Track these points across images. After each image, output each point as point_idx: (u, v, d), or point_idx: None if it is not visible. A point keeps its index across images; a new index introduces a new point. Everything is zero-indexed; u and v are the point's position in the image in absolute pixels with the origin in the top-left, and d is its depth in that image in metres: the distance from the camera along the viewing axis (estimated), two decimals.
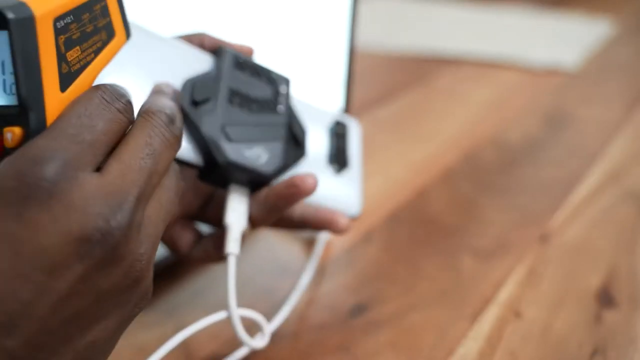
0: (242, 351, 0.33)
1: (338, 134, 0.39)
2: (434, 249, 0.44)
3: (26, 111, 0.24)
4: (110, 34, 0.28)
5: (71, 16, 0.26)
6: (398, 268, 0.42)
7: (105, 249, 0.23)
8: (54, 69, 0.25)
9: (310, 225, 0.37)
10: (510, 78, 0.75)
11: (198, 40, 0.35)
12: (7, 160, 0.23)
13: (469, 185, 0.53)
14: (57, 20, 0.25)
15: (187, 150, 0.32)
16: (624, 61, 0.80)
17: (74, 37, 0.26)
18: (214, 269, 0.41)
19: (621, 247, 0.45)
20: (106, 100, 0.26)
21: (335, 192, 0.38)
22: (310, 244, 0.44)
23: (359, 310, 0.38)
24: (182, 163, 0.32)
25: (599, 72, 0.76)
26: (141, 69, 0.33)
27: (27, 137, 0.24)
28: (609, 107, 0.66)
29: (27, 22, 0.24)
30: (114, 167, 0.24)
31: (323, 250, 0.43)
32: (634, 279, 0.41)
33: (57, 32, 0.25)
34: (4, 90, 0.24)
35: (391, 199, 0.50)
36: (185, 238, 0.36)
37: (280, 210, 0.34)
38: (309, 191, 0.33)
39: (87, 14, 0.27)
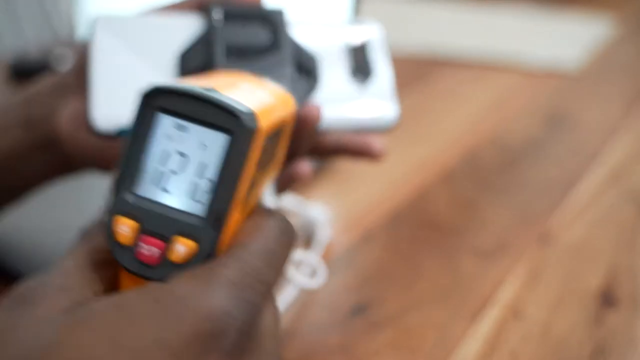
0: None
1: (355, 43, 0.37)
2: (434, 249, 0.44)
3: (208, 227, 0.21)
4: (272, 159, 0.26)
5: (272, 137, 0.24)
6: (398, 268, 0.42)
7: None
8: (246, 189, 0.22)
9: (345, 152, 0.37)
10: (511, 78, 0.75)
11: (195, 3, 0.35)
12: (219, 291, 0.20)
13: (469, 185, 0.53)
14: (267, 138, 0.23)
15: None
16: (625, 61, 0.80)
17: (262, 159, 0.23)
18: None
19: (621, 247, 0.45)
20: (286, 237, 0.23)
21: (364, 106, 0.36)
22: (310, 244, 0.44)
23: (359, 310, 0.38)
24: None
25: (599, 72, 0.76)
26: (134, 57, 0.33)
27: (198, 256, 0.21)
28: (609, 107, 0.66)
29: (250, 135, 0.21)
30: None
31: (323, 250, 0.43)
32: (634, 279, 0.41)
33: (263, 151, 0.23)
34: (191, 195, 0.22)
35: (391, 198, 0.50)
36: None
37: (295, 147, 0.33)
38: (312, 120, 0.32)
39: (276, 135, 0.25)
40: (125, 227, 0.21)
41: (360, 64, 0.37)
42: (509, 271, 0.42)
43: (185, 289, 0.20)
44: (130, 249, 0.21)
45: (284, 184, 0.36)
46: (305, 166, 0.37)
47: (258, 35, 0.34)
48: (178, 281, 0.20)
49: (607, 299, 0.39)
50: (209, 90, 0.22)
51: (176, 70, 0.33)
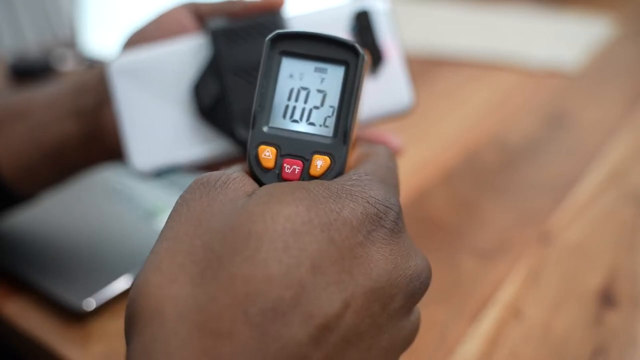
0: None
1: (361, 26, 0.36)
2: (434, 249, 0.44)
3: (339, 145, 0.25)
4: None
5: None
6: None
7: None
8: (359, 111, 0.26)
9: None
10: (510, 78, 0.75)
11: (194, 9, 0.36)
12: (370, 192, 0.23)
13: (469, 185, 0.53)
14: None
15: (225, 146, 0.35)
16: (625, 61, 0.80)
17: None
18: None
19: (621, 247, 0.45)
20: (393, 161, 0.27)
21: (377, 93, 0.36)
22: None
23: None
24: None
25: (599, 72, 0.76)
26: (153, 97, 0.34)
27: (331, 169, 0.25)
28: (609, 107, 0.66)
29: (362, 62, 0.25)
30: None
31: None
32: (634, 279, 0.41)
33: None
34: (317, 121, 0.25)
35: None
36: None
37: None
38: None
39: None
40: (267, 153, 0.25)
41: (368, 47, 0.36)
42: (509, 271, 0.42)
43: (348, 184, 0.23)
44: (274, 172, 0.25)
45: None
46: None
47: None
48: (336, 181, 0.24)
49: (607, 299, 0.39)
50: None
51: (193, 102, 0.35)
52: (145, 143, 0.35)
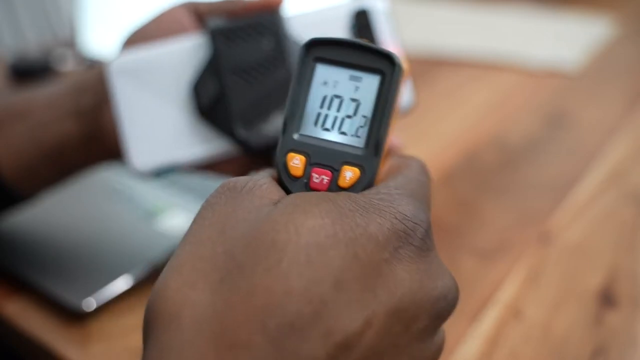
0: None
1: (360, 26, 0.37)
2: None
3: (371, 156, 0.24)
4: None
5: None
6: None
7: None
8: (393, 123, 0.26)
9: None
10: (510, 78, 0.75)
11: (193, 8, 0.36)
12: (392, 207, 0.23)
13: (468, 185, 0.53)
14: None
15: (224, 145, 0.35)
16: (625, 61, 0.80)
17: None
18: None
19: (621, 247, 0.45)
20: (425, 175, 0.26)
21: None
22: None
23: None
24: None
25: (599, 72, 0.76)
26: (153, 97, 0.34)
27: (360, 181, 0.24)
28: (609, 107, 0.66)
29: (399, 73, 0.25)
30: None
31: None
32: (634, 279, 0.41)
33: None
34: (350, 131, 0.25)
35: None
36: None
37: None
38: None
39: None
40: (296, 161, 0.24)
41: None
42: (509, 271, 0.42)
43: (376, 198, 0.23)
44: (302, 180, 0.24)
45: None
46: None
47: (260, 48, 0.35)
48: (364, 194, 0.23)
49: (607, 299, 0.39)
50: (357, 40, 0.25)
51: (192, 101, 0.35)
52: (144, 143, 0.35)
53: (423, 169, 0.27)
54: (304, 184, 0.24)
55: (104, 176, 0.53)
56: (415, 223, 0.23)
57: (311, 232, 0.20)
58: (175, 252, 0.22)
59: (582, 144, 0.59)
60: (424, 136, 0.61)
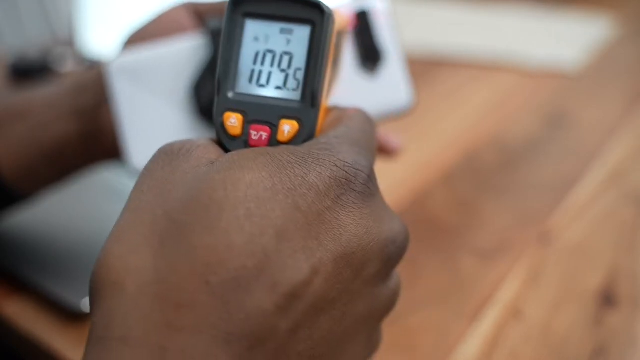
0: None
1: (361, 26, 0.36)
2: (433, 249, 0.44)
3: (308, 108, 0.24)
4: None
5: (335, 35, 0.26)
6: (398, 267, 0.42)
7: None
8: (329, 74, 0.25)
9: None
10: (510, 78, 0.75)
11: (193, 8, 0.36)
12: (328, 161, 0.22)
13: (469, 185, 0.53)
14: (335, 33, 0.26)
15: None
16: (625, 61, 0.80)
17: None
18: None
19: (621, 247, 0.45)
20: (369, 124, 0.26)
21: (377, 94, 0.36)
22: None
23: None
24: None
25: (599, 72, 0.76)
26: (153, 97, 0.34)
27: (299, 134, 0.24)
28: (609, 107, 0.66)
29: (330, 21, 0.24)
30: None
31: None
32: (634, 279, 0.41)
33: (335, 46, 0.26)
34: (285, 85, 0.24)
35: (391, 198, 0.50)
36: None
37: None
38: None
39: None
40: (233, 120, 0.24)
41: (367, 49, 0.36)
42: (509, 271, 0.42)
43: (315, 148, 0.22)
44: (241, 139, 0.24)
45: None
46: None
47: None
48: (303, 145, 0.23)
49: (607, 299, 0.39)
50: None
51: (192, 102, 0.35)
52: (144, 143, 0.35)
53: (365, 118, 0.26)
54: (244, 142, 0.24)
55: (104, 176, 0.53)
56: (357, 169, 0.22)
57: (249, 187, 0.20)
58: (117, 221, 0.22)
59: (582, 144, 0.59)
60: (424, 136, 0.61)
